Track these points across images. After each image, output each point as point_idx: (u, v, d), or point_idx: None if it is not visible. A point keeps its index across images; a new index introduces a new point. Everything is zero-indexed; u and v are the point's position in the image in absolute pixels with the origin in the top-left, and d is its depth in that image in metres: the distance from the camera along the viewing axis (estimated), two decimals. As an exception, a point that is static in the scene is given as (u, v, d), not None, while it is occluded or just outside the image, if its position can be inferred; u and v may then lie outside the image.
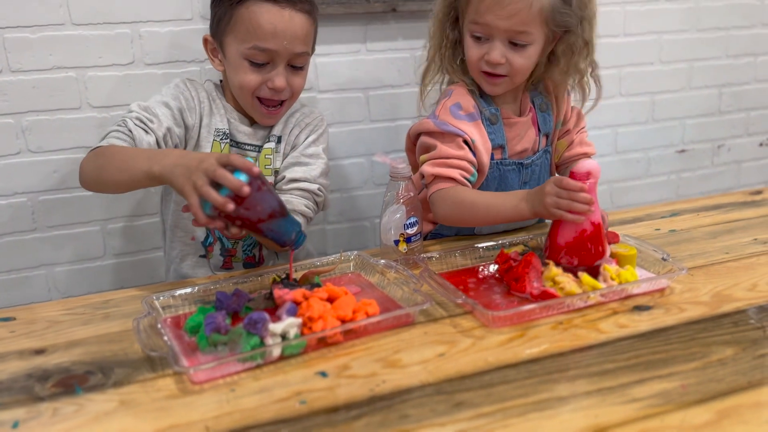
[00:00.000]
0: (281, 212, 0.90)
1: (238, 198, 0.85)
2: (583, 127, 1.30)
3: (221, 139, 1.17)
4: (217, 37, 1.16)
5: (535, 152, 1.24)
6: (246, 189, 0.84)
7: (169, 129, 1.10)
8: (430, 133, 1.17)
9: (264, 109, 1.16)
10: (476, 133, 1.16)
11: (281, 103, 1.17)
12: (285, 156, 1.21)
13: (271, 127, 1.22)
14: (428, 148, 1.17)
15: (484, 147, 1.16)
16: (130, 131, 1.06)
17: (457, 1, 1.17)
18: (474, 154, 1.15)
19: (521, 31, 1.11)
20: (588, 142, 1.30)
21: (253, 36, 1.09)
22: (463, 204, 1.11)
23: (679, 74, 1.88)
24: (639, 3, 1.77)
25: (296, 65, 1.15)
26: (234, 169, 0.86)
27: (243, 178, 0.85)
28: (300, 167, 1.18)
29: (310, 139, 1.21)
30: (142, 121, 1.08)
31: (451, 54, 1.21)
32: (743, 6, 1.88)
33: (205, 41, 1.19)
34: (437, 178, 1.14)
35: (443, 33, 1.20)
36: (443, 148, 1.14)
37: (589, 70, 1.21)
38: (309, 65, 1.19)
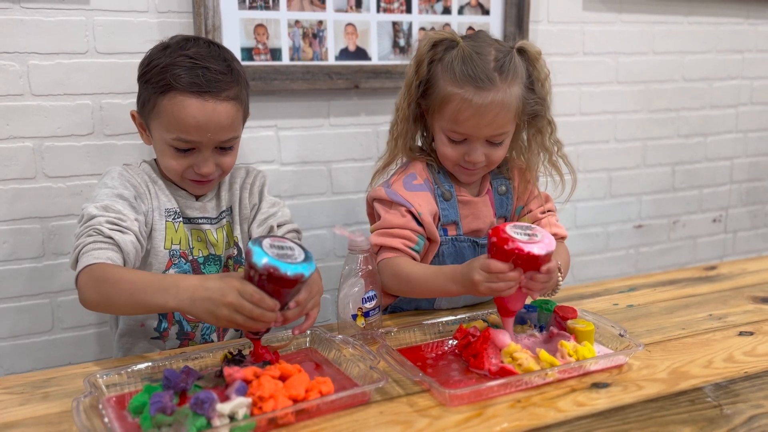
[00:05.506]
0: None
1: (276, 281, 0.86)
2: (550, 210, 1.28)
3: (173, 219, 1.15)
4: (143, 117, 1.14)
5: None
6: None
7: (137, 220, 1.07)
8: (380, 201, 1.20)
9: (194, 183, 1.15)
10: (424, 205, 1.17)
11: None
12: (243, 220, 1.21)
13: (218, 198, 1.21)
14: (377, 218, 1.20)
15: (433, 217, 1.18)
16: (110, 237, 1.01)
17: (424, 97, 1.18)
18: (422, 225, 1.16)
19: (500, 133, 1.15)
20: (558, 224, 1.27)
21: (176, 128, 1.07)
22: (400, 276, 1.12)
23: (634, 152, 1.94)
24: (594, 85, 1.84)
25: (224, 147, 1.13)
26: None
27: (306, 268, 0.86)
28: (274, 218, 1.19)
29: (265, 192, 1.24)
30: (113, 223, 1.03)
31: (411, 134, 1.23)
32: (692, 89, 1.97)
33: (133, 116, 1.17)
34: (382, 248, 1.16)
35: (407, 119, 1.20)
36: (387, 217, 1.17)
37: (555, 149, 1.23)
38: (239, 142, 1.16)
